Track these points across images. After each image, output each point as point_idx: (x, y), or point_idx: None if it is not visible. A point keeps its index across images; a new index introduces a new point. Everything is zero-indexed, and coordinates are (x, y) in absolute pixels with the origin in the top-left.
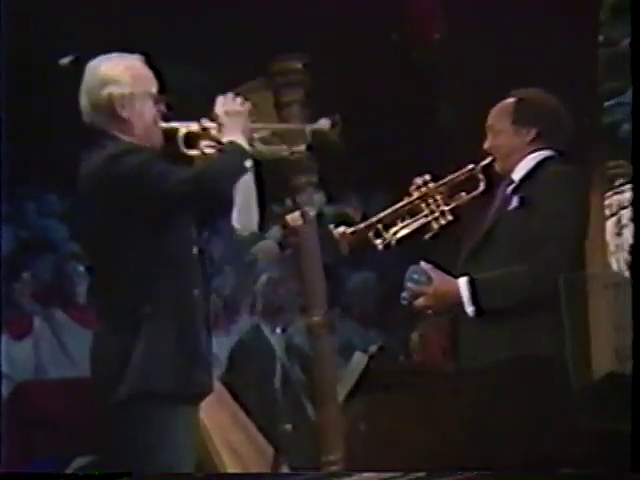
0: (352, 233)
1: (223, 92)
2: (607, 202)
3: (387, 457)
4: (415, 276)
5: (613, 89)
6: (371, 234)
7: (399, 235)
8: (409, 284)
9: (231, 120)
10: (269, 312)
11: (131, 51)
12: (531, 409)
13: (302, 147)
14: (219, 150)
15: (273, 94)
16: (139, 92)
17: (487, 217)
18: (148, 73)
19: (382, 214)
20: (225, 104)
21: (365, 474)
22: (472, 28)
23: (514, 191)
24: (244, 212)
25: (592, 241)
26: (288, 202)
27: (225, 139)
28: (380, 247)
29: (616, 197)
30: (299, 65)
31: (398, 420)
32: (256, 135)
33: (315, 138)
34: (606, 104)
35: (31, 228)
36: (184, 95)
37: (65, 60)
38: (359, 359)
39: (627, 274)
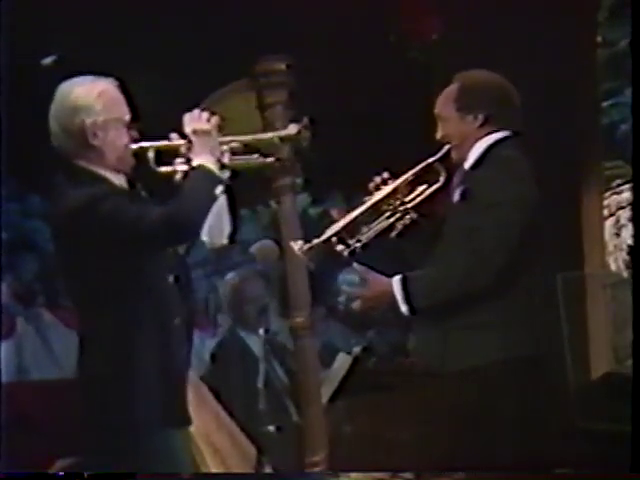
0: (309, 249)
1: (207, 93)
2: (605, 202)
3: (371, 458)
4: (349, 279)
5: (611, 90)
6: (334, 240)
7: (363, 240)
8: (344, 287)
9: (199, 139)
10: (251, 313)
11: (112, 55)
12: (523, 410)
13: (271, 159)
14: (188, 175)
15: (256, 95)
16: (112, 119)
17: (443, 211)
18: (121, 99)
19: (343, 221)
20: (192, 122)
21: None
22: (470, 28)
23: (463, 181)
24: (214, 225)
25: (590, 241)
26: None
27: (194, 162)
28: (345, 254)
29: (614, 197)
30: (283, 66)
31: (382, 421)
32: (225, 147)
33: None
34: (604, 104)
35: (14, 229)
36: (168, 96)
37: (47, 60)
38: (343, 360)
39: (625, 274)
